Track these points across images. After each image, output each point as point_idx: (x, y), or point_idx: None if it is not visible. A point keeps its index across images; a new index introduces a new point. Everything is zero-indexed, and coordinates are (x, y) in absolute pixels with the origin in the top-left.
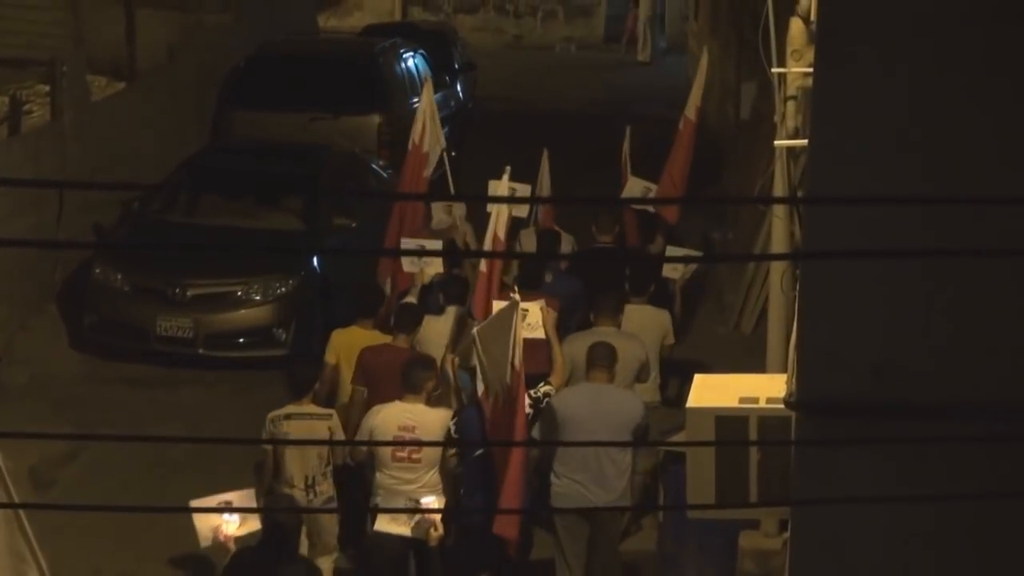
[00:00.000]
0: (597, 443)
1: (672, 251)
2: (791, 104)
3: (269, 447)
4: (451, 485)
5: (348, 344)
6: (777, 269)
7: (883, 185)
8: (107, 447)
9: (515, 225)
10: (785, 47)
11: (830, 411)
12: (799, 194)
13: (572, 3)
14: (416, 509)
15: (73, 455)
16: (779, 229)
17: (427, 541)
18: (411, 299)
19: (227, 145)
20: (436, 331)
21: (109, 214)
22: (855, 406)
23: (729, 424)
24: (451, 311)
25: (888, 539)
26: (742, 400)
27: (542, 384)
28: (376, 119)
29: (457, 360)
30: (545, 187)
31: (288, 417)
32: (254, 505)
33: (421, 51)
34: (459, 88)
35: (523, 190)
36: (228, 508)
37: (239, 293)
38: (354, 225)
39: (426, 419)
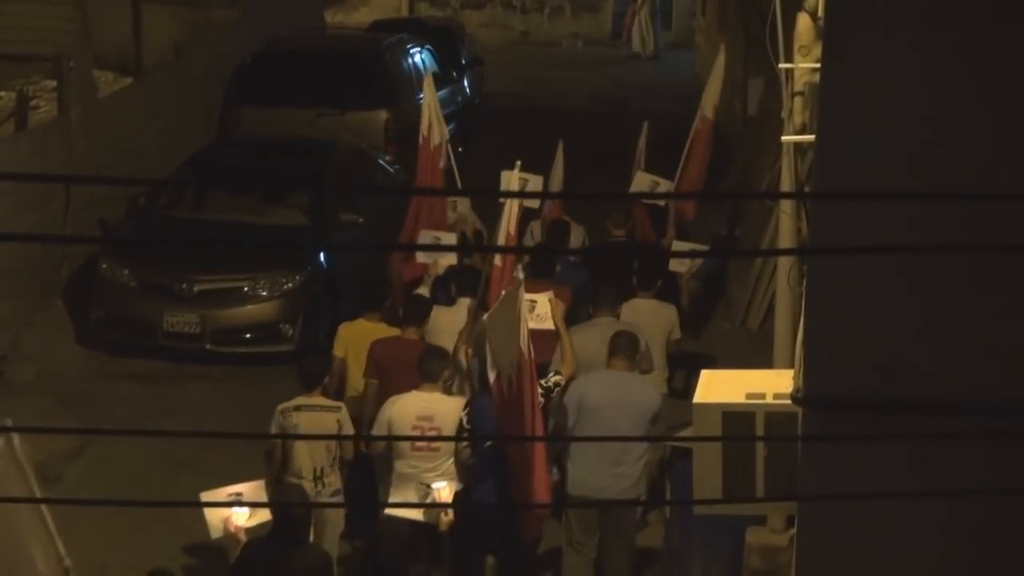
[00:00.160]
0: (599, 438)
1: (678, 246)
2: (798, 100)
3: (279, 438)
4: (464, 473)
5: (355, 337)
6: (784, 265)
7: (889, 181)
8: (113, 443)
9: (526, 216)
10: (792, 43)
11: (836, 407)
12: (806, 190)
13: None
14: (422, 505)
15: (79, 451)
16: (786, 225)
17: (437, 526)
18: (424, 290)
19: (234, 141)
20: (449, 322)
21: (115, 210)
22: (861, 402)
23: (736, 420)
24: (463, 302)
25: (894, 534)
26: (749, 396)
27: (552, 374)
28: (383, 115)
29: (470, 350)
30: (558, 178)
31: (298, 408)
32: (264, 496)
33: (428, 47)
34: (466, 84)
35: (535, 181)
36: (237, 502)
37: (246, 289)
38: (361, 221)
39: (443, 408)
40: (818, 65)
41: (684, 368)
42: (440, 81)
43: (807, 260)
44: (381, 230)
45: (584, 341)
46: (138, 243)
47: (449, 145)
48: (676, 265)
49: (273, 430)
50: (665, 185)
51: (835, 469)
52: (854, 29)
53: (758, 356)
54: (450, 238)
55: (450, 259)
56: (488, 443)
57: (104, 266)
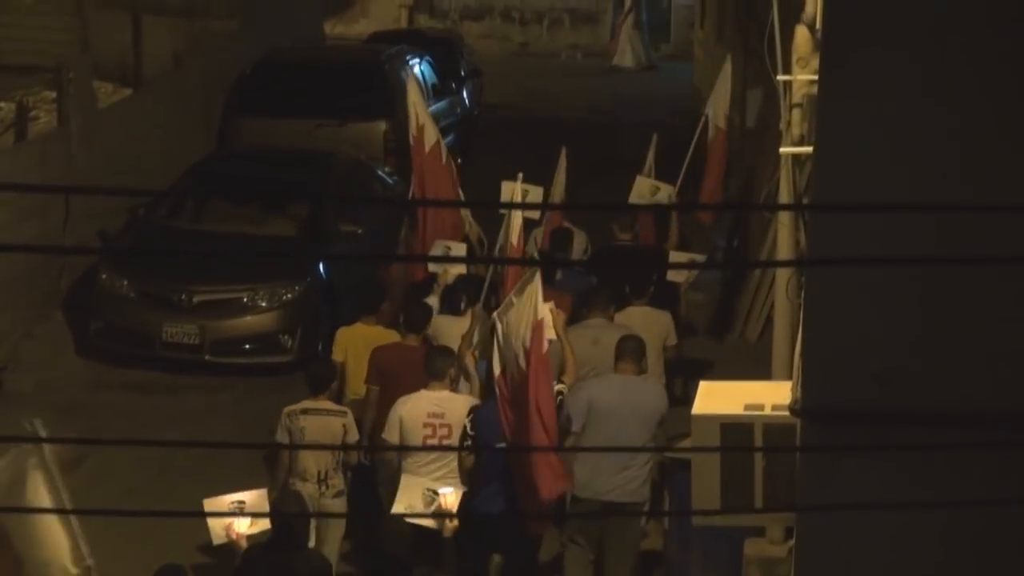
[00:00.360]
0: (607, 449)
1: (676, 256)
2: (796, 111)
3: (286, 440)
4: (466, 478)
5: (354, 341)
6: (782, 277)
7: (887, 193)
8: (112, 453)
9: (528, 226)
10: (791, 55)
11: (835, 418)
12: (804, 202)
13: (578, 11)
14: (425, 515)
15: (78, 461)
16: (784, 237)
17: (442, 531)
18: (433, 300)
19: (233, 151)
20: (458, 331)
21: (115, 220)
22: (859, 413)
23: (734, 431)
24: (470, 311)
25: (893, 544)
26: (747, 407)
27: (555, 383)
28: (382, 126)
29: (476, 354)
30: (560, 185)
31: (305, 412)
32: (266, 503)
33: (427, 58)
34: (465, 95)
35: (535, 192)
36: (239, 513)
37: (245, 299)
38: (360, 231)
39: (453, 405)
40: (816, 77)
41: (682, 373)
42: (439, 92)
43: (805, 272)
44: (380, 241)
45: (574, 341)
46: (137, 253)
47: (446, 148)
48: (675, 275)
49: (280, 432)
50: (665, 190)
51: (833, 480)
52: (852, 41)
53: (757, 367)
54: (460, 248)
55: (459, 268)
56: (494, 446)
57: (103, 277)
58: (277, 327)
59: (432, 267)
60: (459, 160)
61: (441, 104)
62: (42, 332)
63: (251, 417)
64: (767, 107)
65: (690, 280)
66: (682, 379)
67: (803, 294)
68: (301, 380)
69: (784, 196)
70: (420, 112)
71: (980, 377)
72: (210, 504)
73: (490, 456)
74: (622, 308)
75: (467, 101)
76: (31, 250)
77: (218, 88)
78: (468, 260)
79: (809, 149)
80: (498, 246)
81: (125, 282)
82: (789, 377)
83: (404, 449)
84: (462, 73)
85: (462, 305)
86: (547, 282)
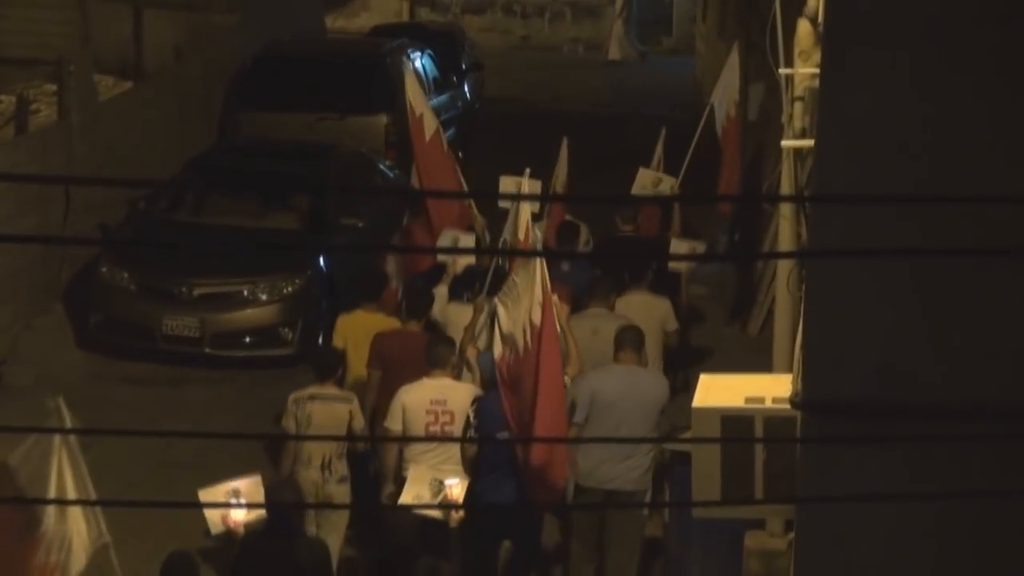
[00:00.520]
0: (606, 440)
1: (677, 245)
2: (798, 105)
3: (293, 426)
4: (468, 468)
5: (354, 328)
6: (784, 270)
7: (889, 186)
8: (113, 446)
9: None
10: (792, 48)
11: (835, 411)
12: (806, 194)
13: (579, 4)
14: (430, 506)
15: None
16: (786, 230)
17: (448, 522)
18: (443, 287)
19: (234, 145)
20: (465, 319)
21: (115, 214)
22: (860, 406)
23: (735, 424)
24: (478, 301)
25: (893, 537)
26: (748, 400)
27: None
28: (383, 119)
29: (479, 346)
30: (562, 177)
31: (312, 398)
32: (261, 490)
33: (428, 52)
34: (466, 88)
35: (533, 186)
36: (235, 504)
37: (245, 292)
38: (361, 224)
39: (455, 393)
40: (818, 70)
41: (684, 361)
42: (440, 86)
43: (806, 265)
44: (381, 234)
45: (574, 331)
46: (138, 245)
47: (445, 138)
48: (676, 263)
49: (286, 419)
50: (668, 182)
51: (833, 473)
52: (854, 34)
53: (758, 361)
54: (469, 238)
55: (468, 258)
56: (498, 435)
57: (104, 270)
58: (277, 320)
59: (441, 256)
60: (460, 154)
61: (442, 98)
62: (42, 325)
63: (252, 410)
64: (769, 100)
65: (692, 268)
66: (684, 366)
67: (804, 287)
68: (301, 373)
69: (786, 189)
70: (417, 102)
71: (980, 370)
72: (205, 493)
73: (493, 445)
74: (621, 294)
75: (468, 95)
76: (30, 241)
77: (219, 81)
78: (470, 252)
79: (811, 142)
80: (502, 240)
81: (125, 275)
82: (790, 370)
83: (408, 440)
84: (463, 67)
85: (473, 292)
86: (552, 275)
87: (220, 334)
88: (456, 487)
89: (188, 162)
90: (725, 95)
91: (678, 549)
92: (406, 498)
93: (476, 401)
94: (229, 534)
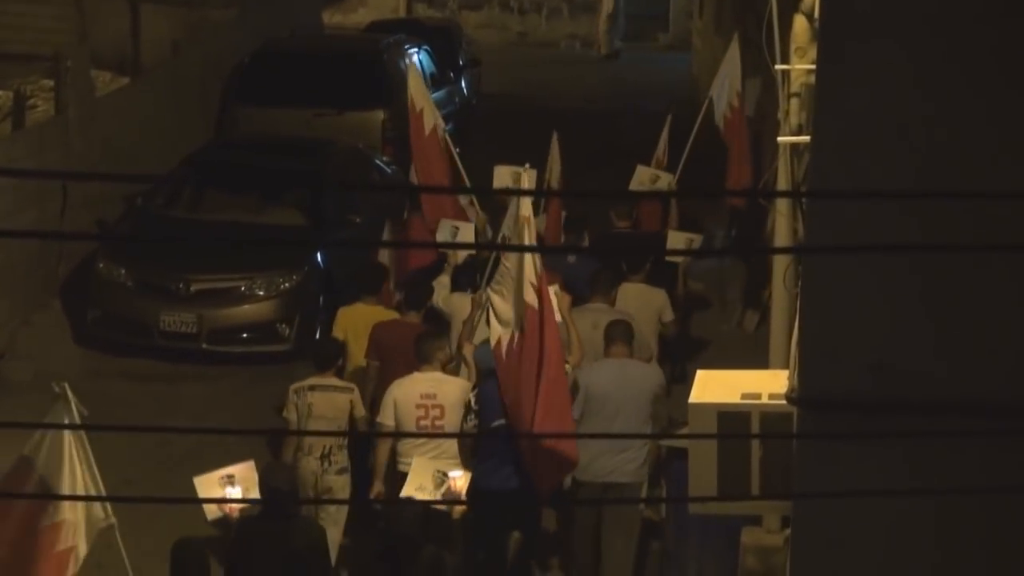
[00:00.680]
0: (604, 435)
1: (674, 237)
2: (794, 101)
3: (294, 416)
4: (467, 455)
5: (353, 320)
6: (780, 266)
7: (885, 182)
8: (110, 442)
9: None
10: (789, 44)
11: (832, 407)
12: (802, 191)
13: (576, 0)
14: (432, 502)
15: None
16: (782, 226)
17: (451, 512)
18: (445, 278)
19: (231, 141)
20: (466, 308)
21: (113, 209)
22: (856, 402)
23: (731, 420)
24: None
25: (890, 534)
26: (744, 396)
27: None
28: (380, 115)
29: (474, 344)
30: (555, 173)
31: (312, 388)
32: (255, 476)
33: (426, 47)
34: (463, 85)
35: (530, 176)
36: (234, 499)
37: (243, 288)
38: (358, 220)
39: (445, 387)
40: (814, 66)
41: (681, 352)
42: (437, 82)
43: (802, 261)
44: (379, 230)
45: (580, 324)
46: (135, 241)
47: (447, 134)
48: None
49: (288, 409)
50: (665, 178)
51: (830, 469)
52: (849, 30)
53: (754, 357)
54: (468, 228)
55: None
56: (495, 424)
57: (101, 266)
58: (275, 316)
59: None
60: (457, 149)
61: (439, 94)
62: (40, 321)
63: (249, 405)
64: (765, 96)
65: (689, 261)
66: (681, 357)
67: (800, 283)
68: (298, 368)
69: (782, 185)
70: (419, 97)
71: (977, 365)
72: (200, 480)
73: (495, 435)
74: (617, 285)
75: (465, 91)
76: (28, 236)
77: (216, 77)
78: (469, 246)
79: (807, 139)
80: (501, 235)
81: (123, 271)
82: (786, 366)
83: (402, 435)
84: (460, 63)
85: (475, 282)
86: (556, 267)
87: (217, 330)
88: (460, 479)
89: (185, 158)
90: (726, 87)
91: (675, 545)
92: (409, 489)
93: (477, 387)
94: (225, 518)
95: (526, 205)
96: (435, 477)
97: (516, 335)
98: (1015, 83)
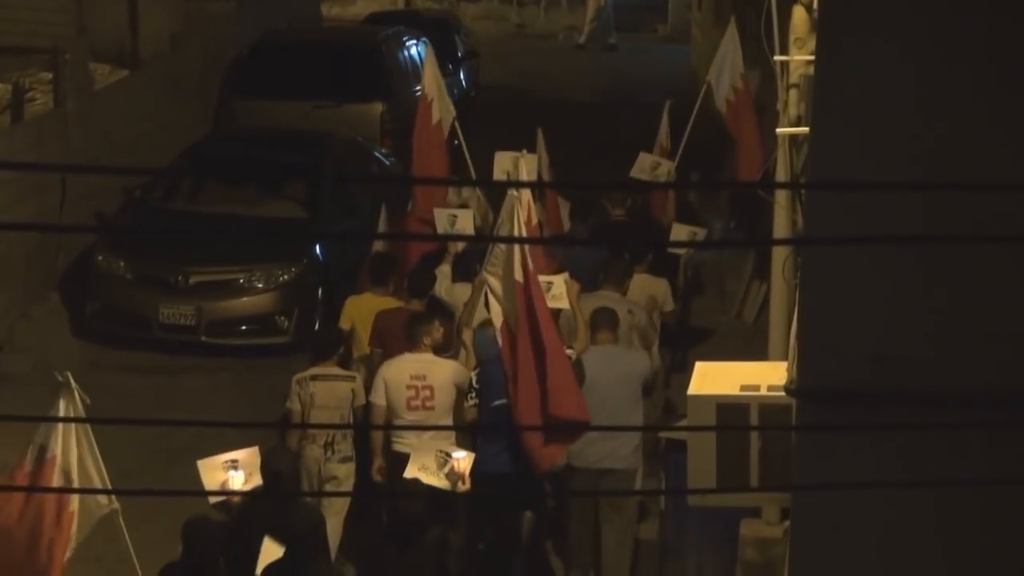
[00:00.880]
0: (599, 427)
1: (678, 230)
2: (793, 92)
3: (298, 406)
4: (467, 435)
5: (361, 310)
6: (779, 257)
7: (883, 173)
8: (109, 435)
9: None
10: (788, 35)
11: (830, 398)
12: (801, 182)
13: None
14: (436, 493)
15: None
16: (781, 217)
17: (454, 494)
18: (445, 268)
19: (230, 133)
20: (467, 296)
21: (112, 202)
22: (855, 393)
23: (730, 412)
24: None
25: (889, 525)
26: (743, 388)
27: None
28: (379, 107)
29: (473, 329)
30: (544, 166)
31: (314, 378)
32: (258, 461)
33: (424, 39)
34: (462, 76)
35: (530, 161)
36: (234, 492)
37: (241, 280)
38: (357, 213)
39: (435, 368)
40: (813, 57)
41: (682, 341)
42: None
43: (801, 252)
44: (376, 221)
45: (584, 311)
46: (134, 233)
47: (457, 123)
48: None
49: (291, 399)
50: (666, 165)
51: (829, 460)
52: (849, 22)
53: (753, 349)
54: (466, 216)
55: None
56: (496, 404)
57: (100, 258)
58: (273, 308)
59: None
60: (456, 141)
61: None
62: (38, 313)
63: (248, 398)
64: (764, 88)
65: (691, 253)
66: (681, 346)
67: (799, 274)
68: (297, 361)
69: (781, 176)
70: (431, 87)
71: (976, 357)
72: (204, 464)
73: (496, 415)
74: (630, 275)
75: (464, 83)
76: (27, 228)
77: (215, 70)
78: (468, 239)
79: (806, 130)
80: (500, 221)
81: (122, 263)
82: (785, 357)
83: (408, 428)
84: (459, 54)
85: (476, 270)
86: (564, 254)
87: (216, 322)
88: (463, 459)
89: (184, 150)
90: (726, 70)
91: (674, 537)
92: (412, 470)
93: (479, 366)
94: (227, 501)
95: (526, 197)
96: (438, 457)
97: (513, 316)
98: (1011, 74)
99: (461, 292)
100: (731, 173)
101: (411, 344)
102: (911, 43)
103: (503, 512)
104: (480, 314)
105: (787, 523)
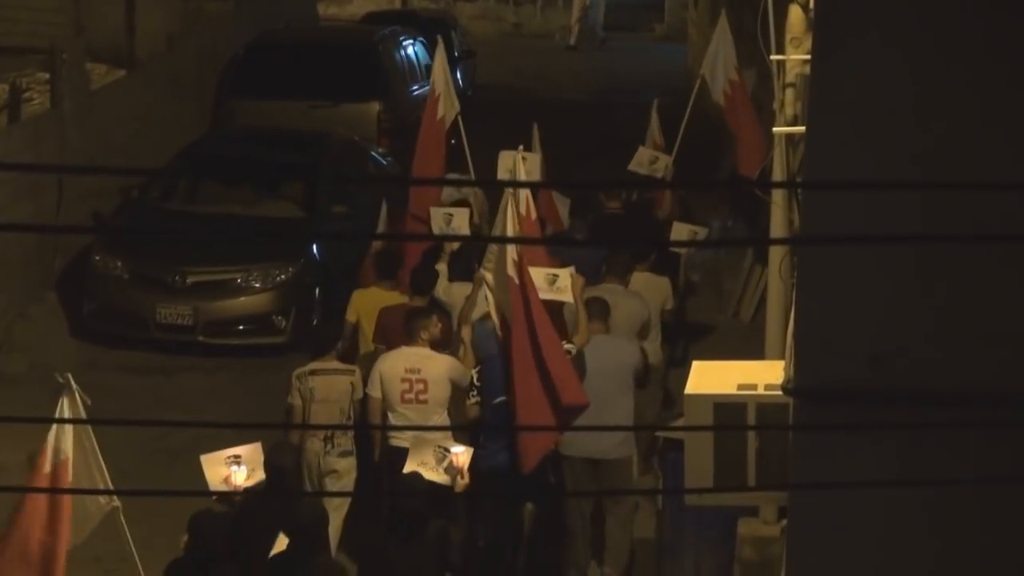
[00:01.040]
0: (596, 426)
1: (678, 229)
2: (790, 91)
3: (299, 401)
4: (471, 431)
5: (367, 303)
6: (776, 256)
7: (880, 172)
8: (106, 435)
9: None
10: (784, 34)
11: (827, 397)
12: (797, 181)
13: None
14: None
15: None
16: (777, 216)
17: (453, 488)
18: (442, 266)
19: (227, 133)
20: (464, 295)
21: (109, 202)
22: (852, 392)
23: (727, 411)
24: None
25: (886, 524)
26: (740, 387)
27: (564, 342)
28: (375, 107)
29: (471, 327)
30: (537, 161)
31: (313, 373)
32: (261, 456)
33: (421, 39)
34: (459, 76)
35: (531, 160)
36: (233, 491)
37: (239, 280)
38: (354, 213)
39: (430, 362)
40: (809, 57)
41: (683, 338)
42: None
43: (798, 251)
44: (374, 222)
45: (587, 304)
46: (131, 233)
47: (460, 119)
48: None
49: (292, 395)
50: (664, 160)
51: (826, 460)
52: (845, 21)
53: (750, 348)
54: (462, 214)
55: (463, 233)
56: (497, 401)
57: (97, 258)
58: (270, 308)
59: (437, 233)
60: (453, 141)
61: None
62: (36, 313)
63: (245, 397)
64: (760, 87)
65: (690, 252)
66: (682, 342)
67: (796, 274)
68: (295, 360)
69: (778, 175)
70: (440, 82)
71: (973, 356)
72: (206, 459)
73: (497, 412)
74: (632, 269)
75: (461, 82)
76: (24, 229)
77: (212, 69)
78: (464, 239)
79: (802, 129)
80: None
81: (119, 263)
82: (782, 356)
83: (396, 428)
84: (456, 54)
85: (474, 269)
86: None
87: (213, 322)
88: (462, 454)
89: (181, 150)
90: (720, 62)
91: (672, 537)
92: (411, 465)
93: (479, 366)
94: (230, 496)
95: (525, 194)
96: (436, 453)
97: (508, 310)
98: (1010, 73)
99: (458, 291)
100: (730, 170)
101: (408, 338)
102: (908, 42)
103: (511, 508)
104: (480, 308)
105: (784, 522)
